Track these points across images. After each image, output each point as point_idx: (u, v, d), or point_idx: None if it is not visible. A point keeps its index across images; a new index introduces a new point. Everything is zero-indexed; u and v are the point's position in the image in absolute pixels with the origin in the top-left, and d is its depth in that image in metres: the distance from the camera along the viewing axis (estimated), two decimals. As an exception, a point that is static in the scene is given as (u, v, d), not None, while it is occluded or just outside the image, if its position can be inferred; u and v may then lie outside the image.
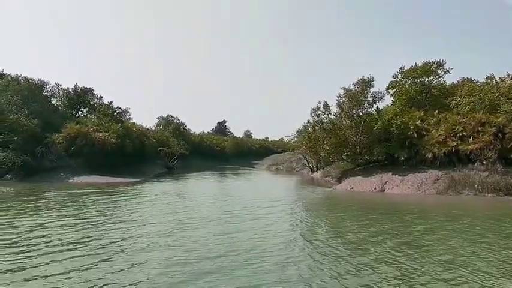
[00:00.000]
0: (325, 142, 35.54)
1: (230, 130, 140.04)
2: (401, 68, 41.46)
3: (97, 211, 22.76)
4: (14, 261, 11.95)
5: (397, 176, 32.10)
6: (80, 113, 54.19)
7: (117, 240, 15.02)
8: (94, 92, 54.98)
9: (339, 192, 31.89)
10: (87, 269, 11.35)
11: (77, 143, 42.99)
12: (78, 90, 53.46)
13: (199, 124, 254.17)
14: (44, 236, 15.80)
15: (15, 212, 21.75)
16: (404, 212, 20.97)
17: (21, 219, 19.36)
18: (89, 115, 54.12)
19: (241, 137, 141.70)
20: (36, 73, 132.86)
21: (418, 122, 33.83)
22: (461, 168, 30.17)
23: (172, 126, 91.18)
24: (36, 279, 10.45)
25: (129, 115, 65.67)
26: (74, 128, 43.92)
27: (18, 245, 14.32)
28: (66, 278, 10.57)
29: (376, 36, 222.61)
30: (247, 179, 54.35)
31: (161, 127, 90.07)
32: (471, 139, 30.85)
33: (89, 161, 42.97)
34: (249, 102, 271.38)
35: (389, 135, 33.64)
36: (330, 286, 9.93)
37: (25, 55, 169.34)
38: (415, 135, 33.21)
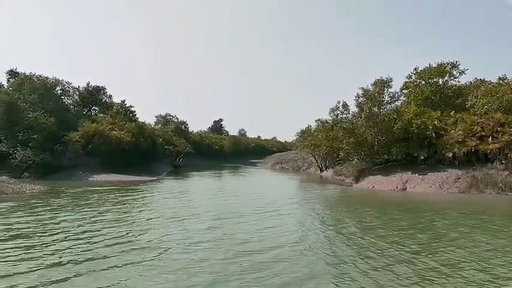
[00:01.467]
0: (344, 141, 36.04)
1: (225, 129, 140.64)
2: (415, 69, 42.27)
3: (132, 207, 23.76)
4: (84, 251, 12.91)
5: (416, 175, 32.72)
6: (92, 111, 54.23)
7: (167, 234, 15.73)
8: (106, 91, 55.17)
9: (361, 191, 32.53)
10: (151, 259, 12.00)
11: (94, 142, 43.36)
12: (91, 89, 53.58)
13: (193, 122, 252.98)
14: (97, 230, 16.60)
15: (56, 208, 22.38)
16: (436, 210, 21.63)
17: (67, 215, 20.14)
18: (100, 114, 54.31)
19: (233, 135, 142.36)
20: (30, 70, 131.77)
21: (436, 122, 34.47)
22: (480, 167, 30.84)
23: (173, 125, 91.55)
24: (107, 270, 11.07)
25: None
26: (91, 126, 44.25)
27: (83, 236, 15.24)
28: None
29: (376, 36, 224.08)
30: (259, 177, 54.95)
31: (160, 125, 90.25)
32: (490, 139, 31.55)
33: (105, 160, 43.35)
34: (241, 101, 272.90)
35: (408, 135, 34.22)
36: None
37: (22, 52, 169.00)
38: (433, 135, 33.84)
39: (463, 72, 39.60)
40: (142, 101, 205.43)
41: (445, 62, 40.49)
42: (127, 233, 15.95)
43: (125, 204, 25.41)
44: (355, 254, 12.65)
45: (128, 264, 11.66)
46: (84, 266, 11.50)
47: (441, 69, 40.16)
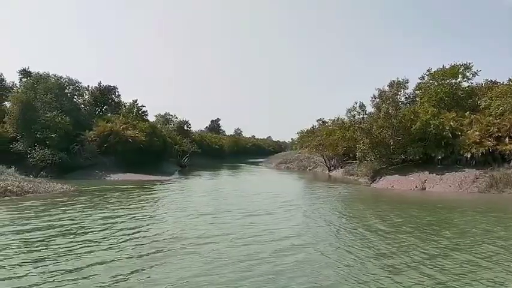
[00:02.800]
0: (361, 142, 36.53)
1: (222, 128, 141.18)
2: (428, 70, 42.81)
3: (163, 205, 24.43)
4: (142, 244, 13.67)
5: (434, 174, 33.26)
6: (103, 111, 54.40)
7: (210, 230, 16.44)
8: (118, 91, 55.36)
9: (380, 190, 32.97)
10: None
11: (109, 141, 43.60)
12: (102, 88, 53.75)
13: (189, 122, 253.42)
14: (142, 226, 17.32)
15: (90, 206, 23.04)
16: (461, 208, 22.25)
17: (105, 212, 20.95)
18: (109, 113, 54.47)
19: (232, 135, 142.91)
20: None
21: (452, 123, 35.01)
22: (496, 167, 31.40)
23: (175, 125, 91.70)
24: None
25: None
26: (107, 125, 44.54)
27: (132, 231, 15.94)
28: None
29: (376, 36, 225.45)
30: (269, 177, 55.52)
31: (159, 125, 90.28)
32: (507, 139, 32.17)
33: (121, 159, 43.67)
34: (237, 101, 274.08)
35: (425, 135, 34.74)
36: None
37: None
38: (450, 135, 34.38)
39: (476, 73, 40.16)
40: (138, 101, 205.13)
41: (458, 63, 41.03)
42: (174, 229, 16.49)
43: (155, 202, 26.19)
44: (395, 250, 13.16)
45: (189, 256, 12.37)
46: (151, 257, 12.22)
47: (454, 71, 40.70)
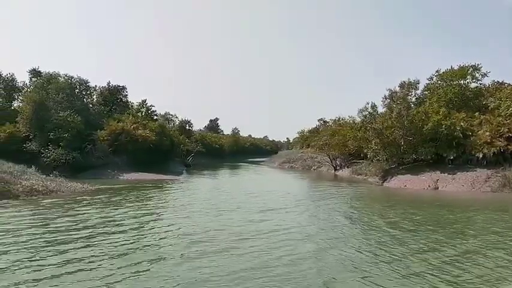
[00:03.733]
0: (373, 142, 37.03)
1: (220, 128, 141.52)
2: (437, 71, 43.39)
3: (181, 203, 24.94)
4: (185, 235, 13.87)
5: (446, 174, 33.78)
6: (112, 110, 54.63)
7: (239, 225, 17.19)
8: (126, 90, 55.61)
9: (394, 189, 33.42)
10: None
11: (121, 140, 43.85)
12: (111, 88, 54.01)
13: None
14: (171, 224, 17.78)
15: (116, 203, 23.75)
16: (479, 207, 22.68)
17: (131, 209, 21.53)
18: (118, 113, 54.70)
19: (232, 134, 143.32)
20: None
21: (463, 123, 35.56)
22: (508, 167, 31.93)
23: (178, 124, 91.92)
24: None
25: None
26: (118, 125, 44.78)
27: (166, 227, 16.54)
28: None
29: (375, 36, 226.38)
30: (275, 176, 55.96)
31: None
32: (518, 140, 32.79)
33: (131, 158, 43.98)
34: (234, 101, 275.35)
35: (436, 136, 35.27)
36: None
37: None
38: (461, 135, 34.92)
39: (485, 74, 40.75)
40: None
41: (466, 64, 41.60)
42: (204, 226, 17.04)
43: (175, 200, 26.82)
44: (425, 247, 13.61)
45: (232, 250, 13.01)
46: (196, 253, 12.74)
47: (463, 72, 41.26)
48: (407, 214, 20.45)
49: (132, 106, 54.74)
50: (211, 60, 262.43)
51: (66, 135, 40.36)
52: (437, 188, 32.44)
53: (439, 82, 43.24)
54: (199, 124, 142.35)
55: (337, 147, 57.75)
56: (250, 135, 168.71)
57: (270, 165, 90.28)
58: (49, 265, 11.04)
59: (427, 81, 44.14)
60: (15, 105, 50.42)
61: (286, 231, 16.08)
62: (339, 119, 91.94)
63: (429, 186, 32.81)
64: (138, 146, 44.29)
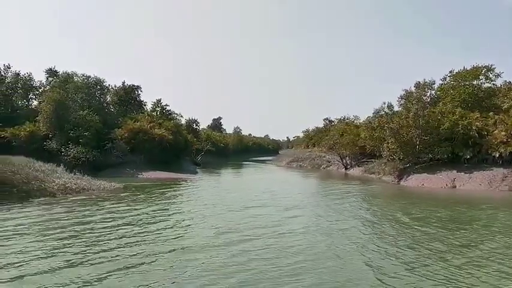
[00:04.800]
0: (389, 141, 37.64)
1: (223, 127, 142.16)
2: (450, 71, 44.02)
3: (203, 201, 25.72)
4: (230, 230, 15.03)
5: (462, 173, 34.40)
6: (128, 110, 55.24)
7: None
8: (141, 90, 56.22)
9: (412, 188, 33.99)
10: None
11: (138, 139, 44.48)
12: (127, 88, 54.62)
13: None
14: (205, 215, 19.23)
15: (146, 201, 24.62)
16: (500, 206, 23.38)
17: (164, 206, 22.70)
18: (132, 112, 55.30)
19: (237, 133, 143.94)
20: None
21: (478, 123, 36.17)
22: (523, 166, 32.64)
23: (185, 123, 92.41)
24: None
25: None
26: (135, 124, 45.41)
27: (204, 221, 16.82)
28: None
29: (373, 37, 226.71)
30: (288, 175, 56.37)
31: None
32: (533, 139, 33.41)
33: (148, 157, 44.65)
34: (235, 100, 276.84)
35: (452, 135, 35.90)
36: None
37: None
38: (477, 135, 35.54)
39: (498, 75, 41.36)
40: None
41: (480, 65, 42.19)
42: (233, 221, 18.11)
43: (198, 197, 27.56)
44: (459, 243, 14.24)
45: (275, 241, 13.81)
46: (238, 245, 13.55)
47: (476, 72, 41.86)
48: (431, 211, 21.08)
49: (145, 105, 55.34)
50: (212, 60, 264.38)
51: (86, 133, 40.98)
52: (455, 186, 33.03)
53: (452, 82, 43.84)
54: (202, 123, 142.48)
55: (348, 146, 58.49)
56: (250, 134, 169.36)
57: (278, 164, 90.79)
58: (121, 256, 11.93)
59: (440, 81, 44.74)
60: (32, 104, 50.98)
61: (319, 227, 16.91)
62: (345, 118, 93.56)
63: (446, 185, 33.41)
64: (154, 145, 44.99)
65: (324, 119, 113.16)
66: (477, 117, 37.18)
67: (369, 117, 75.88)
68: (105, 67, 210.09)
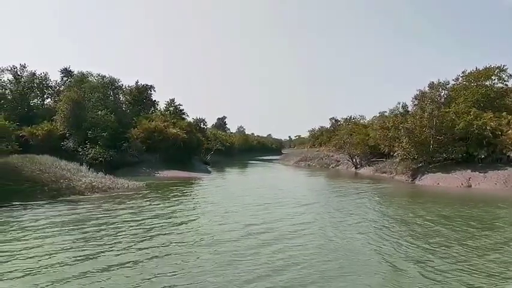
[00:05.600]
0: (404, 141, 38.01)
1: (227, 126, 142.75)
2: (463, 72, 44.36)
3: (227, 198, 26.60)
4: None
5: (477, 173, 34.75)
6: (140, 109, 55.76)
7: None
8: (154, 90, 56.72)
9: (429, 187, 34.28)
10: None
11: (154, 138, 45.01)
12: (140, 87, 55.11)
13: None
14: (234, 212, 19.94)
15: (172, 198, 25.59)
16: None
17: (189, 204, 22.78)
18: (145, 112, 55.77)
19: (235, 132, 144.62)
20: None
21: (492, 123, 36.51)
22: (537, 166, 33.02)
23: (193, 122, 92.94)
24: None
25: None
26: (151, 124, 45.93)
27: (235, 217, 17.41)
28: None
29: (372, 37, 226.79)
30: (297, 174, 56.94)
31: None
32: (547, 139, 33.81)
33: (164, 156, 45.21)
34: (237, 99, 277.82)
35: (466, 135, 36.27)
36: None
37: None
38: (491, 135, 35.90)
39: (511, 75, 41.64)
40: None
41: (492, 66, 42.54)
42: (260, 216, 19.17)
43: (222, 195, 28.23)
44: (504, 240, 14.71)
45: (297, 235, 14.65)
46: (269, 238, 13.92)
47: (489, 73, 42.19)
48: (456, 210, 21.54)
49: (157, 104, 55.84)
50: (211, 60, 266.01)
51: (104, 134, 41.42)
52: (470, 186, 33.39)
53: (465, 83, 44.17)
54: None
55: (359, 146, 58.94)
56: (252, 134, 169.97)
57: (285, 163, 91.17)
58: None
59: (453, 82, 45.08)
60: (48, 103, 51.54)
61: (343, 222, 17.94)
62: (351, 118, 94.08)
63: (462, 184, 33.77)
64: (169, 144, 45.50)
65: (330, 119, 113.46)
66: (490, 117, 37.54)
67: (375, 116, 77.47)
68: (105, 67, 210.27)
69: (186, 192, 29.47)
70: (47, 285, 9.55)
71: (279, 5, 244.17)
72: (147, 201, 23.57)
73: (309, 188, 33.71)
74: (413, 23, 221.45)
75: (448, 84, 38.74)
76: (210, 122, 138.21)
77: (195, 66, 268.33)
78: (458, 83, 44.97)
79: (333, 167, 72.34)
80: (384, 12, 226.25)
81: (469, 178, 34.36)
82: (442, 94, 38.60)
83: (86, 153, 40.31)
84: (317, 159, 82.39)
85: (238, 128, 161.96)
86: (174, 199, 24.96)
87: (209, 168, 58.11)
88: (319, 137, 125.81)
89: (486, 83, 42.96)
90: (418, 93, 38.81)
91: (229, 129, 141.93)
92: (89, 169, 38.72)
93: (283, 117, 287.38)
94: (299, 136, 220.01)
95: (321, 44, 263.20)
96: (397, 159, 43.78)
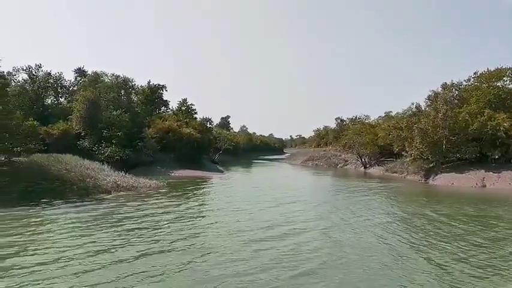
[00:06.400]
0: (418, 141, 38.39)
1: (230, 125, 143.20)
2: (475, 73, 44.63)
3: (249, 196, 27.56)
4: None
5: (491, 173, 35.18)
6: (153, 109, 56.25)
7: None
8: (166, 89, 57.18)
9: (444, 187, 34.71)
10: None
11: (168, 138, 45.50)
12: (152, 87, 55.57)
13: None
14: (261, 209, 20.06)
15: (199, 197, 26.79)
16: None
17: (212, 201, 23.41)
18: (157, 111, 56.30)
19: (239, 132, 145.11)
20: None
21: (506, 124, 36.85)
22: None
23: (199, 122, 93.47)
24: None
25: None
26: (165, 123, 46.42)
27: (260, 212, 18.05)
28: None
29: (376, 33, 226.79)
30: (308, 174, 57.38)
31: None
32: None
33: (177, 156, 45.72)
34: (239, 98, 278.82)
35: (480, 135, 36.64)
36: None
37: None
38: (504, 135, 36.26)
39: (523, 76, 41.94)
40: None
41: (504, 66, 42.80)
42: (291, 212, 19.85)
43: (243, 193, 29.09)
44: None
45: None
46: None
47: (501, 74, 42.46)
48: (480, 210, 21.97)
49: (168, 104, 56.31)
50: (211, 60, 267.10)
51: (119, 133, 41.83)
52: (485, 186, 33.79)
53: (476, 84, 44.45)
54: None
55: (369, 145, 59.40)
56: (254, 133, 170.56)
57: (292, 162, 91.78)
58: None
59: (465, 83, 45.35)
60: (62, 103, 52.04)
61: (368, 221, 18.46)
62: (356, 118, 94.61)
63: (476, 184, 34.18)
64: (183, 144, 45.97)
65: (336, 118, 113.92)
66: (503, 117, 37.88)
67: (380, 117, 78.13)
68: (105, 66, 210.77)
69: (206, 191, 30.18)
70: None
71: (279, 5, 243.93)
72: (173, 199, 24.28)
73: (325, 187, 34.15)
74: (414, 23, 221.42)
75: (461, 85, 38.97)
76: (213, 121, 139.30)
77: (195, 66, 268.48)
78: (470, 83, 45.30)
79: (341, 167, 72.76)
80: (383, 12, 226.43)
81: (483, 178, 34.77)
82: (455, 95, 38.79)
83: (102, 152, 40.67)
84: (324, 158, 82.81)
85: (241, 128, 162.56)
86: (197, 197, 25.82)
87: (220, 168, 58.59)
88: (324, 137, 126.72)
89: (498, 84, 43.30)
90: (431, 93, 39.05)
91: (232, 128, 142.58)
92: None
93: (283, 117, 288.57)
94: (299, 135, 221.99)
95: (320, 43, 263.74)
96: (408, 159, 44.33)
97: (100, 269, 10.82)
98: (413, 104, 39.95)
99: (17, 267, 10.75)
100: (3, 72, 31.68)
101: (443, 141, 38.14)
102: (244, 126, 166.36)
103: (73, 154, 37.80)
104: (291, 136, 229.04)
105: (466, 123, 37.14)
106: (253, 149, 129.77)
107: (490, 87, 42.32)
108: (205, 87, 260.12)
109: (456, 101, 38.79)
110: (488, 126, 35.94)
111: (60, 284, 9.64)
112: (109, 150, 40.70)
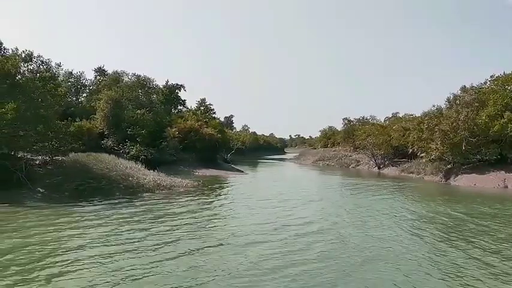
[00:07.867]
0: (438, 142, 39.20)
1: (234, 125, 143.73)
2: (491, 76, 45.39)
3: (278, 193, 28.81)
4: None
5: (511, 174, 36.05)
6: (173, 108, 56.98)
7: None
8: (185, 89, 57.86)
9: (464, 188, 35.55)
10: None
11: (190, 138, 46.27)
12: (171, 86, 56.29)
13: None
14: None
15: (234, 195, 28.23)
16: None
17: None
18: (176, 110, 56.97)
19: (252, 132, 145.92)
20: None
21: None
22: None
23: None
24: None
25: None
26: (186, 123, 47.15)
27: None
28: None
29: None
30: (322, 174, 58.16)
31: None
32: None
33: (199, 155, 46.52)
34: (239, 98, 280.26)
35: (500, 137, 37.45)
36: None
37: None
38: (523, 137, 37.09)
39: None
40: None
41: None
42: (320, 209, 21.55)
43: (272, 192, 30.21)
44: None
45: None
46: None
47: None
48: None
49: (185, 103, 57.00)
50: (212, 60, 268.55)
51: (143, 132, 42.47)
52: (507, 186, 34.61)
53: (493, 87, 45.19)
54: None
55: (382, 146, 60.19)
56: (254, 132, 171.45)
57: (302, 162, 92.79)
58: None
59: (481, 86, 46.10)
60: (83, 101, 52.72)
61: (398, 218, 19.52)
62: (363, 118, 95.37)
63: (498, 185, 35.02)
64: (205, 144, 46.73)
65: (343, 119, 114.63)
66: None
67: (387, 117, 79.11)
68: (106, 66, 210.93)
69: (237, 189, 31.15)
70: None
71: (278, 4, 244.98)
72: (212, 196, 25.85)
73: (343, 188, 34.97)
74: (413, 23, 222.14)
75: (481, 88, 39.77)
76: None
77: (195, 66, 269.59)
78: (486, 86, 46.06)
79: (353, 167, 73.21)
80: (383, 12, 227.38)
81: (505, 179, 35.58)
82: (475, 98, 39.60)
83: (127, 151, 41.31)
84: (336, 159, 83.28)
85: (243, 127, 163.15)
86: (233, 195, 26.95)
87: (235, 167, 59.39)
88: (331, 137, 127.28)
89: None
90: (450, 96, 39.92)
91: (235, 127, 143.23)
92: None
93: (283, 117, 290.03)
94: (298, 135, 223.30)
95: (320, 43, 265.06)
96: (424, 160, 45.16)
97: (173, 259, 11.93)
98: (434, 106, 40.64)
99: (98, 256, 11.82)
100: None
101: (463, 143, 38.95)
102: (246, 125, 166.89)
103: (96, 153, 38.78)
104: (290, 136, 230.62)
105: (486, 125, 37.91)
106: (258, 149, 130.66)
107: (507, 91, 43.13)
108: (205, 87, 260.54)
109: (477, 104, 39.46)
110: (509, 129, 36.71)
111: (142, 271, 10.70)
112: (134, 149, 41.36)
